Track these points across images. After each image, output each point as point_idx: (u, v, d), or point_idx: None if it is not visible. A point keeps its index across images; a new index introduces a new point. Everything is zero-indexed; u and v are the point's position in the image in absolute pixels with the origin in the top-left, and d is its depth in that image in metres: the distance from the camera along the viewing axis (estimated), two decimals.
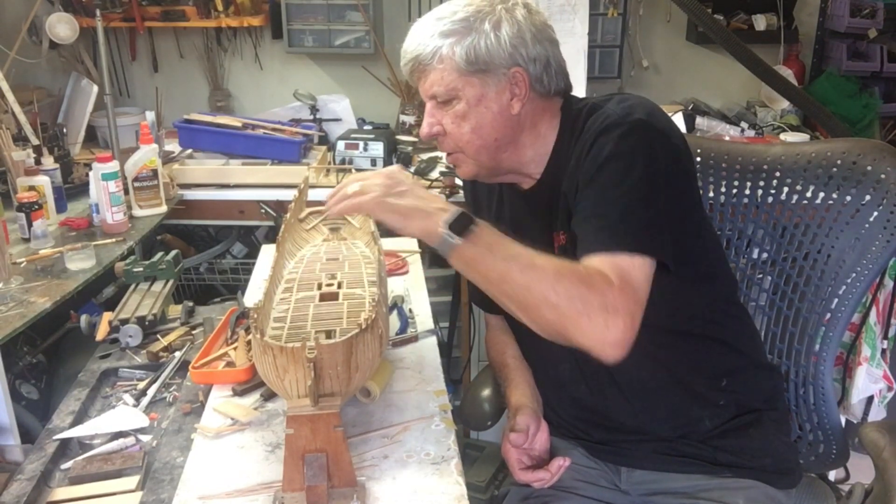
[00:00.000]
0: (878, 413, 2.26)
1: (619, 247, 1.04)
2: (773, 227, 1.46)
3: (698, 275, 1.23)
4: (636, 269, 1.04)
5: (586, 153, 1.14)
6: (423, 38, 1.18)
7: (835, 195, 1.36)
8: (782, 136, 2.59)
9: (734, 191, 1.49)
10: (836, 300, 1.37)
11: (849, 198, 1.34)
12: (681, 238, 1.13)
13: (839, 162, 1.35)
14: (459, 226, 1.03)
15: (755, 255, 1.50)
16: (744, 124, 2.73)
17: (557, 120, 1.25)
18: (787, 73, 2.72)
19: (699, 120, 2.73)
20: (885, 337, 2.20)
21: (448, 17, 1.17)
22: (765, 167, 1.44)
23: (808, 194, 1.40)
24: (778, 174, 1.43)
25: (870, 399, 2.24)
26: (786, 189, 1.43)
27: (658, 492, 1.29)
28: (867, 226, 1.32)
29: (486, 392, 1.50)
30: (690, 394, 1.25)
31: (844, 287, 1.36)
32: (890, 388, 2.23)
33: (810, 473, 1.45)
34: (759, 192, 1.46)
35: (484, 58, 1.15)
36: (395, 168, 1.18)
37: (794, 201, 1.42)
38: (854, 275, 1.34)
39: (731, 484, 1.24)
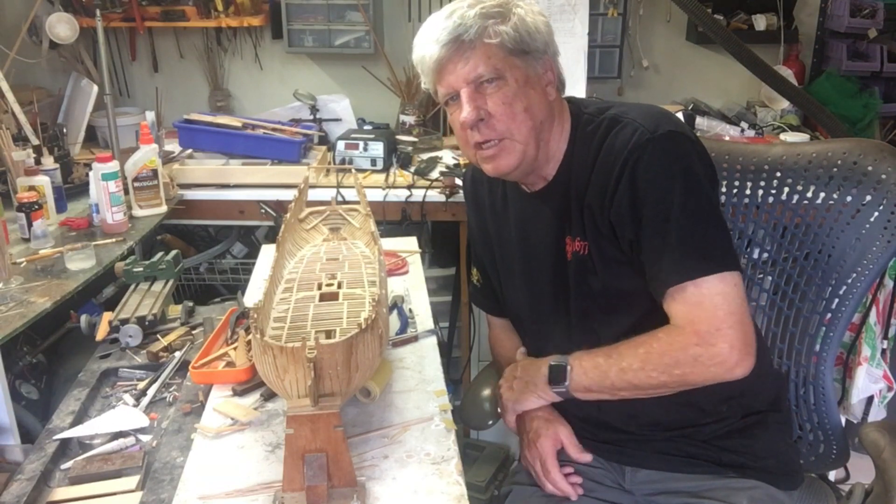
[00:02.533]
0: (878, 413, 2.26)
1: (692, 275, 1.11)
2: (774, 227, 1.46)
3: None
4: (715, 290, 1.11)
5: (618, 170, 1.14)
6: (467, 18, 1.15)
7: (835, 195, 1.36)
8: (782, 136, 2.59)
9: (734, 191, 1.49)
10: (836, 300, 1.37)
11: (849, 198, 1.34)
12: (729, 241, 1.18)
13: (840, 162, 1.35)
14: (558, 375, 1.23)
15: (755, 256, 1.50)
16: (744, 124, 2.73)
17: (568, 120, 1.25)
18: (787, 73, 2.72)
19: (699, 120, 2.73)
20: (885, 337, 2.19)
21: (476, 4, 1.16)
22: (765, 167, 1.44)
23: (809, 194, 1.40)
24: (778, 174, 1.43)
25: (870, 399, 2.24)
26: (786, 189, 1.42)
27: (662, 492, 1.29)
28: (868, 226, 1.32)
29: (486, 392, 1.51)
30: (694, 407, 1.24)
31: (845, 287, 1.36)
32: (890, 388, 2.23)
33: (811, 474, 1.45)
34: (760, 192, 1.46)
35: (526, 39, 1.17)
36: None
37: (794, 201, 1.42)
38: (854, 275, 1.34)
39: (735, 484, 1.24)
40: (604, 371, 1.19)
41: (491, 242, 1.42)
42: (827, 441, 1.45)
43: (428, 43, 1.18)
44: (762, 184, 1.45)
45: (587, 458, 1.30)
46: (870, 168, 1.32)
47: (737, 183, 1.48)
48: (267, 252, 1.92)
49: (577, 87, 2.58)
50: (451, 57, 1.16)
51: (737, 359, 1.11)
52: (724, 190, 1.50)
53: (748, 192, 1.47)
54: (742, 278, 1.14)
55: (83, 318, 1.60)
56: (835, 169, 1.35)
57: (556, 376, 1.24)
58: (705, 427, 1.26)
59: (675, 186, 1.12)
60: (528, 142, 1.19)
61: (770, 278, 1.49)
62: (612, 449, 1.32)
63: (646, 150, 1.12)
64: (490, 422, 1.49)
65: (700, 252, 1.12)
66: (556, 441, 1.30)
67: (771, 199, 1.45)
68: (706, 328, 1.11)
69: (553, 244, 1.27)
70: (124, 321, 1.54)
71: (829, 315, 1.39)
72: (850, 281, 1.35)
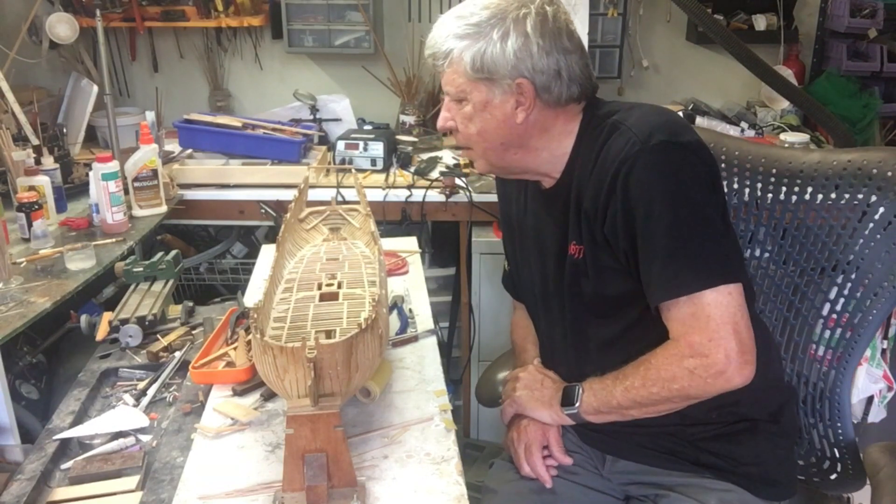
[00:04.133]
0: (878, 413, 2.25)
1: (685, 290, 1.11)
2: (805, 233, 1.43)
3: None
4: (708, 303, 1.10)
5: (609, 179, 1.14)
6: (441, 36, 1.20)
7: (868, 205, 1.33)
8: (782, 136, 2.59)
9: (769, 195, 1.46)
10: (859, 315, 1.35)
11: (882, 209, 1.31)
12: (727, 251, 1.15)
13: (875, 171, 1.32)
14: (570, 397, 1.26)
15: (783, 262, 1.47)
16: (744, 124, 2.73)
17: (575, 124, 1.24)
18: (787, 73, 2.72)
19: (699, 120, 2.73)
20: (886, 337, 2.19)
21: (466, 17, 1.18)
22: (801, 172, 1.42)
23: (843, 202, 1.36)
24: (812, 180, 1.40)
25: (870, 399, 2.24)
26: (820, 196, 1.39)
27: (637, 482, 1.31)
28: None
29: (503, 375, 1.54)
30: (679, 414, 1.23)
31: (870, 300, 1.34)
32: (890, 388, 2.22)
33: (828, 493, 1.45)
34: (794, 197, 1.43)
35: (489, 67, 1.17)
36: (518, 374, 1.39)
37: (825, 207, 1.39)
38: (880, 290, 1.32)
39: (708, 484, 1.24)
40: (610, 391, 1.21)
41: (514, 233, 1.43)
42: (843, 461, 1.42)
43: (425, 46, 1.25)
44: (796, 189, 1.43)
45: (568, 461, 1.32)
46: None
47: (771, 187, 1.46)
48: (267, 252, 1.92)
49: None
50: (433, 66, 1.25)
51: (735, 367, 1.09)
52: (758, 193, 1.47)
53: (782, 196, 1.45)
54: (742, 289, 1.12)
55: (83, 318, 1.60)
56: (868, 179, 1.33)
57: (568, 398, 1.27)
58: (690, 428, 1.26)
59: (664, 200, 1.11)
60: (486, 156, 1.26)
61: (795, 286, 1.46)
62: (595, 436, 1.33)
63: (636, 162, 1.12)
64: (500, 401, 1.52)
65: (693, 266, 1.11)
66: (545, 434, 1.32)
67: (804, 205, 1.42)
68: (699, 339, 1.10)
69: (559, 243, 1.28)
70: (124, 321, 1.54)
71: (851, 328, 1.37)
72: (875, 294, 1.33)
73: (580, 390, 1.25)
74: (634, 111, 1.19)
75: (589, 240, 1.20)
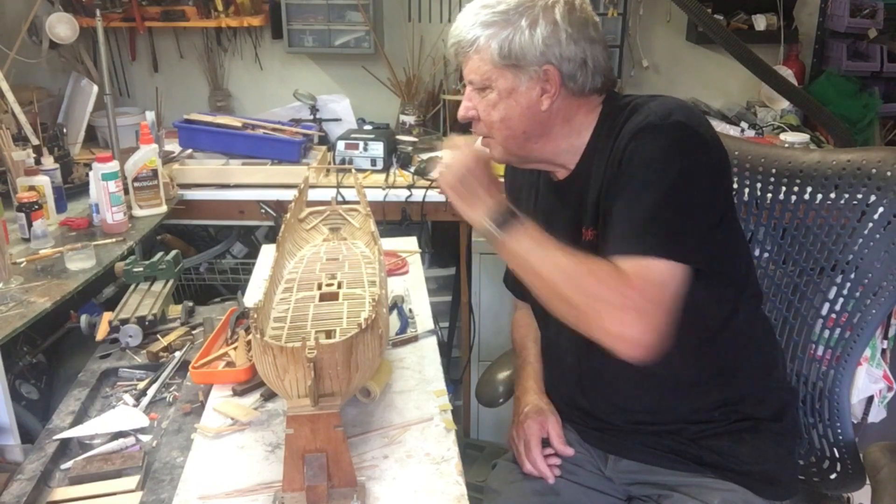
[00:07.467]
0: (878, 413, 2.26)
1: (646, 251, 1.07)
2: (804, 233, 1.43)
3: (723, 284, 1.21)
4: (661, 272, 1.06)
5: (622, 151, 1.15)
6: (467, 24, 1.21)
7: (867, 205, 1.33)
8: (782, 136, 2.59)
9: (769, 195, 1.47)
10: (858, 314, 1.35)
11: (881, 208, 1.31)
12: (710, 244, 1.14)
13: (874, 171, 1.32)
14: (502, 219, 1.15)
15: (782, 262, 1.47)
16: (744, 124, 2.73)
17: (595, 115, 1.25)
18: (787, 73, 2.72)
19: None
20: (886, 337, 2.19)
21: (493, 6, 1.19)
22: (800, 172, 1.42)
23: (842, 202, 1.37)
24: (812, 180, 1.41)
25: (870, 399, 2.24)
26: (820, 196, 1.40)
27: (640, 482, 1.31)
28: None
29: (503, 375, 1.55)
30: (686, 409, 1.24)
31: (870, 300, 1.34)
32: (890, 388, 2.22)
33: (828, 493, 1.45)
34: (794, 197, 1.44)
35: (517, 53, 1.18)
36: (467, 157, 1.23)
37: (826, 206, 1.39)
38: (879, 289, 1.32)
39: (711, 483, 1.24)
40: (538, 244, 1.13)
41: None
42: (843, 461, 1.42)
43: (449, 35, 1.26)
44: (796, 189, 1.43)
45: (569, 451, 1.32)
46: None
47: (771, 187, 1.46)
48: (267, 252, 1.92)
49: None
50: (456, 56, 1.25)
51: (644, 340, 1.03)
52: (758, 193, 1.48)
53: (781, 196, 1.45)
54: (687, 274, 1.08)
55: (83, 318, 1.60)
56: (868, 178, 1.33)
57: (502, 217, 1.16)
58: (693, 426, 1.26)
59: (668, 170, 1.09)
60: (505, 144, 1.25)
61: (795, 286, 1.46)
62: (597, 436, 1.34)
63: (651, 132, 1.12)
64: (501, 400, 1.53)
65: (669, 235, 1.08)
66: (543, 428, 1.33)
67: (803, 205, 1.42)
68: (649, 296, 1.04)
69: (573, 233, 1.26)
70: (124, 321, 1.54)
71: (850, 328, 1.37)
72: (874, 294, 1.33)
73: (518, 223, 1.15)
74: (656, 98, 1.20)
75: (603, 222, 1.20)
